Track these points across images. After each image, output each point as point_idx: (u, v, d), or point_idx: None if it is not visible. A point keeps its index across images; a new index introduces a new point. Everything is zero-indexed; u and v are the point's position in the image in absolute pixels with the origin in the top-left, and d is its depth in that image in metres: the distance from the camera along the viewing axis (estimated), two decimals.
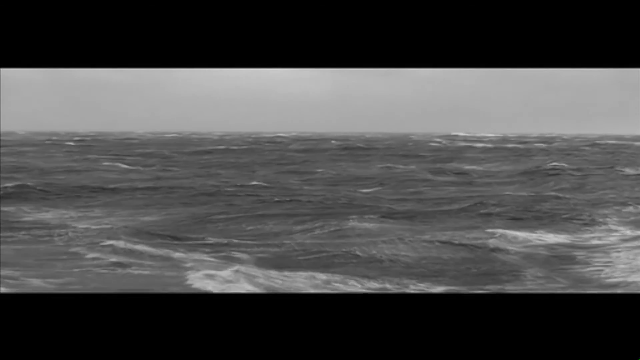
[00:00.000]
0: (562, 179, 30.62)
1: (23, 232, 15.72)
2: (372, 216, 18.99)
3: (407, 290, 11.27)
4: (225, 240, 15.44)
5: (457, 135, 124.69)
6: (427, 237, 15.87)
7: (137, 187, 26.51)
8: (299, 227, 17.54)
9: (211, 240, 15.52)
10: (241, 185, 27.83)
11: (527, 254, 14.41)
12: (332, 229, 17.12)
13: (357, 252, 13.92)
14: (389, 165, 42.70)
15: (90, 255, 13.27)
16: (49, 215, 19.59)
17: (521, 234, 16.41)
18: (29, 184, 25.36)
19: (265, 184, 28.59)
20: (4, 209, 19.76)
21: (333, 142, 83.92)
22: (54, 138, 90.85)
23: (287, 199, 22.82)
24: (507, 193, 25.46)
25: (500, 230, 16.68)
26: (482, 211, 20.05)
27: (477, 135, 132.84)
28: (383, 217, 19.16)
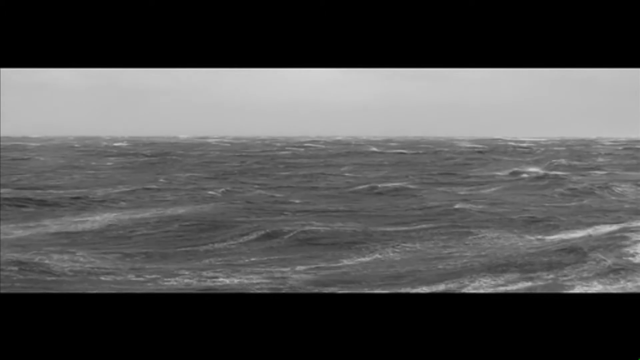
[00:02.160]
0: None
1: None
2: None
3: (407, 291, 11.27)
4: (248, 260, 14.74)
5: (497, 139, 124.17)
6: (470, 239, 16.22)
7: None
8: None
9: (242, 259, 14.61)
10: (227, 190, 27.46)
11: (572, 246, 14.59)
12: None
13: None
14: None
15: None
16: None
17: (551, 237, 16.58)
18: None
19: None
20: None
21: (372, 148, 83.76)
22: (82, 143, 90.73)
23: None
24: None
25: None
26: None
27: (519, 138, 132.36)
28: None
